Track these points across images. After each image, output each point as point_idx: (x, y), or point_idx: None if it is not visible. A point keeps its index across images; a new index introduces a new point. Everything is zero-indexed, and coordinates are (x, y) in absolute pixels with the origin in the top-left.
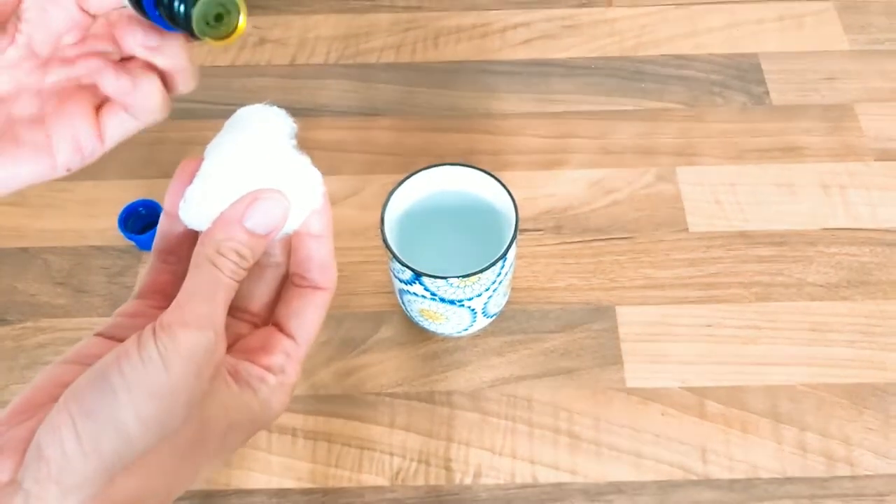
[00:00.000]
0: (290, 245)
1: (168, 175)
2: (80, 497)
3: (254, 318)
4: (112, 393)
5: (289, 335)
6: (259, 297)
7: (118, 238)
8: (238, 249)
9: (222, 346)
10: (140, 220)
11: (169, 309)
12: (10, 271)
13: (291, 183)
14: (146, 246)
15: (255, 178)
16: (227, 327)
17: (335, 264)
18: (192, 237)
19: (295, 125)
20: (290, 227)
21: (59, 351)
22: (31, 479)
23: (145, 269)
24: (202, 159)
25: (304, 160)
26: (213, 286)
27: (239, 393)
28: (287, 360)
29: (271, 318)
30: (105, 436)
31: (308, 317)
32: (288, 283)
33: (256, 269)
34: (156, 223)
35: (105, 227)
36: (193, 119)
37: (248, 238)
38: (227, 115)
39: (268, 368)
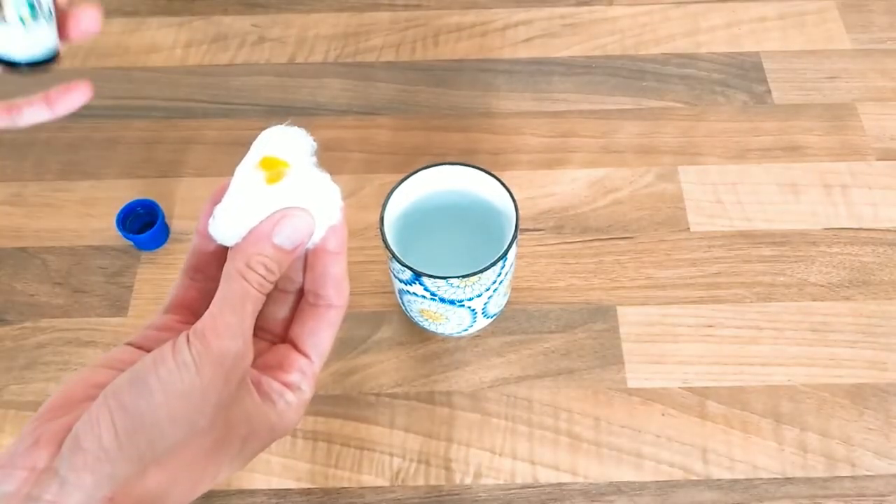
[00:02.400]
0: (306, 264)
1: (166, 174)
2: (114, 485)
3: (271, 336)
4: (149, 393)
5: (304, 353)
6: (278, 318)
7: (116, 238)
8: (266, 263)
9: (250, 354)
10: (138, 220)
11: (202, 318)
12: (8, 271)
13: (312, 199)
14: (144, 246)
15: (279, 195)
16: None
17: (348, 281)
18: (220, 257)
19: (315, 143)
20: (310, 241)
21: (58, 351)
22: (67, 467)
23: (174, 285)
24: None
25: (325, 177)
26: (243, 298)
27: (260, 403)
28: (303, 377)
29: (287, 336)
30: (140, 430)
31: (322, 335)
32: (303, 301)
33: (279, 293)
34: (153, 223)
35: (103, 227)
36: (192, 118)
37: (275, 253)
38: (225, 113)
39: (286, 385)
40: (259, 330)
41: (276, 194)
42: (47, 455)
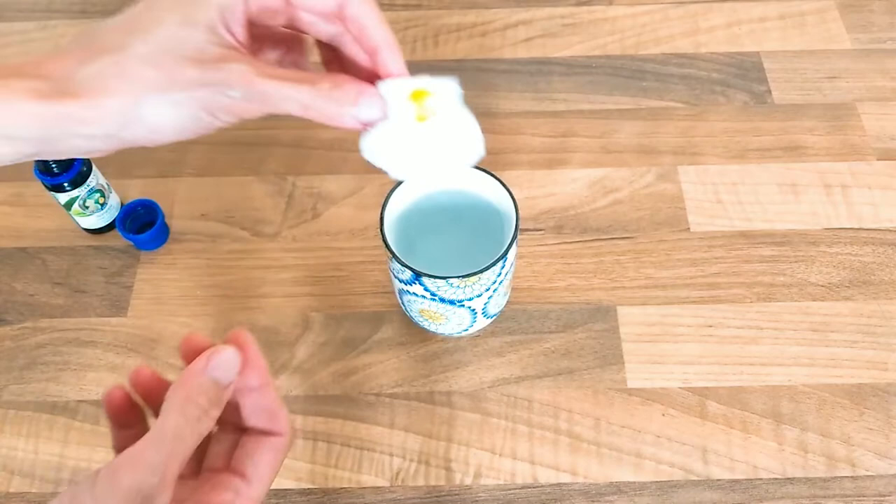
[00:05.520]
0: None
1: (166, 174)
2: None
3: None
4: None
5: (241, 475)
6: (219, 456)
7: (116, 237)
8: (202, 400)
9: (166, 494)
10: (138, 220)
11: (123, 453)
12: (8, 271)
13: (453, 140)
14: (144, 246)
15: (425, 133)
16: (188, 485)
17: (285, 410)
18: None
19: (460, 88)
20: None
21: (57, 351)
22: None
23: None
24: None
25: (468, 116)
26: (174, 434)
27: None
28: (236, 496)
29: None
30: None
31: (261, 458)
32: (246, 433)
33: (223, 436)
34: (153, 223)
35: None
36: None
37: (211, 386)
38: None
39: None
40: (206, 471)
41: (423, 132)
42: None
